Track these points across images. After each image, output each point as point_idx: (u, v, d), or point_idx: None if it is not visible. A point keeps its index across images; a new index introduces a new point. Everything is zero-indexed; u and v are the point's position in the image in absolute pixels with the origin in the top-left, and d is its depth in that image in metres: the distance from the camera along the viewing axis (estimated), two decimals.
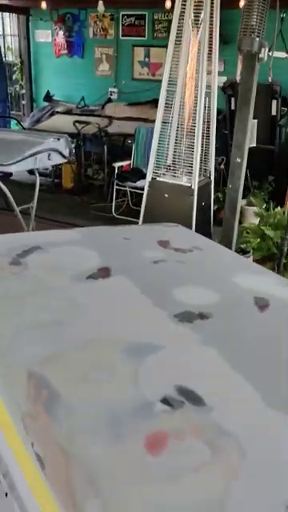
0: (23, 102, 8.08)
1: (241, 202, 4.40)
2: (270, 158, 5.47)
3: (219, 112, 4.70)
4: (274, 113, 5.33)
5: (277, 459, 0.76)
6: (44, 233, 1.84)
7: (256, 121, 2.68)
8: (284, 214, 3.25)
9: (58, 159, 3.07)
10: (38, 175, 3.35)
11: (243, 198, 4.50)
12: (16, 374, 0.93)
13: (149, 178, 3.42)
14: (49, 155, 2.95)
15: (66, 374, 0.94)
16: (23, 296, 1.23)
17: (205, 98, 3.44)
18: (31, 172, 3.77)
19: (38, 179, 3.36)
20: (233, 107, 5.16)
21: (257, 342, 1.11)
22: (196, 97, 3.40)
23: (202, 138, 3.47)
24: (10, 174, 6.31)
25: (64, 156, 3.11)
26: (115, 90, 7.18)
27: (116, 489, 0.70)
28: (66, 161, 3.26)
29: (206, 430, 0.80)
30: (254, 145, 2.76)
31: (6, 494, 0.77)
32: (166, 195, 3.28)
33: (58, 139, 3.03)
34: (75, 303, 1.21)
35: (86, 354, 1.01)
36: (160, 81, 3.67)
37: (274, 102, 5.28)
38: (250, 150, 2.90)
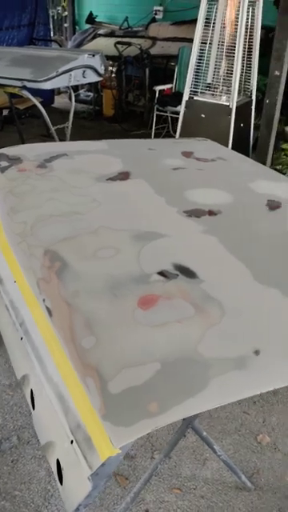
0: (65, 25, 7.84)
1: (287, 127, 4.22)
2: None
3: (272, 29, 4.36)
4: None
5: (253, 318, 0.86)
6: (72, 143, 1.92)
7: None
8: None
9: (93, 77, 3.04)
10: (72, 93, 3.36)
11: None
12: (34, 250, 1.06)
13: (186, 97, 3.34)
14: (83, 72, 2.94)
15: (76, 251, 1.05)
16: (46, 192, 1.34)
17: (248, 12, 3.21)
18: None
19: (73, 96, 3.38)
20: None
21: (259, 233, 1.17)
22: (238, 10, 3.18)
23: (244, 55, 3.29)
24: (52, 102, 6.34)
25: (99, 74, 3.08)
26: (160, 8, 6.76)
27: (108, 330, 0.82)
28: (101, 78, 3.21)
29: (194, 295, 0.90)
30: None
31: (22, 338, 0.92)
32: (203, 115, 3.21)
33: (93, 55, 2.99)
34: (93, 199, 1.31)
35: (97, 237, 1.12)
36: None
37: None
38: None
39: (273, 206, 1.33)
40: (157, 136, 5.15)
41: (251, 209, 1.31)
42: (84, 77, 2.97)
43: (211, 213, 1.26)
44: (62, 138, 3.69)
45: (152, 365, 0.74)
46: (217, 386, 0.71)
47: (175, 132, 5.07)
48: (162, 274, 0.97)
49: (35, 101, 2.99)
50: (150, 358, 0.75)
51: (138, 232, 1.14)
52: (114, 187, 1.40)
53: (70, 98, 3.58)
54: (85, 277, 0.97)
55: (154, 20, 6.65)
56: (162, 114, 5.10)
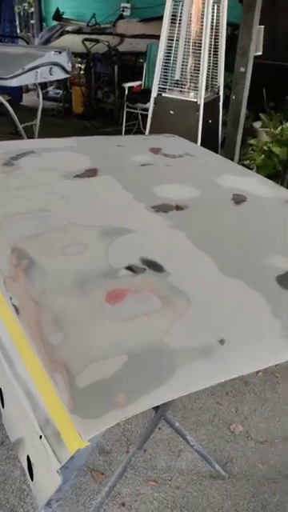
0: (32, 22, 7.73)
1: (256, 124, 4.31)
2: None
3: (237, 26, 4.43)
4: None
5: (218, 309, 0.88)
6: (40, 140, 1.91)
7: (262, 27, 2.54)
8: None
9: (60, 74, 3.02)
10: (40, 91, 3.32)
11: (258, 119, 4.38)
12: (1, 248, 1.05)
13: (154, 94, 3.36)
14: (50, 69, 2.91)
15: (44, 249, 1.05)
16: (12, 190, 1.33)
17: (213, 9, 3.25)
18: (42, 97, 3.74)
19: (41, 93, 3.34)
20: None
21: (224, 227, 1.19)
22: (204, 7, 3.22)
23: (210, 52, 3.33)
24: (20, 100, 6.24)
25: (66, 71, 3.06)
26: (128, 5, 6.76)
27: (76, 326, 0.83)
28: (68, 76, 3.20)
29: (161, 288, 0.92)
30: (260, 53, 2.64)
31: None
32: (172, 112, 3.24)
33: (60, 52, 2.96)
34: (60, 196, 1.31)
35: (65, 234, 1.12)
36: None
37: None
38: (266, 66, 2.76)
39: (238, 199, 1.36)
40: (127, 133, 5.15)
41: (217, 203, 1.34)
42: (51, 74, 2.95)
43: (178, 208, 1.28)
44: (31, 136, 3.64)
45: (119, 357, 0.75)
46: (183, 375, 0.72)
47: (146, 129, 5.08)
48: (129, 268, 0.98)
49: (1, 98, 2.94)
50: (117, 351, 0.76)
51: (106, 228, 1.14)
52: (82, 184, 1.40)
53: (39, 96, 3.55)
54: (53, 274, 0.97)
55: (121, 17, 6.63)
56: (132, 110, 5.10)
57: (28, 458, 0.73)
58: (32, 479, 0.72)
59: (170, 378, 0.71)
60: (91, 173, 1.48)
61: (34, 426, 0.72)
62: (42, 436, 0.69)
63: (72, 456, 0.65)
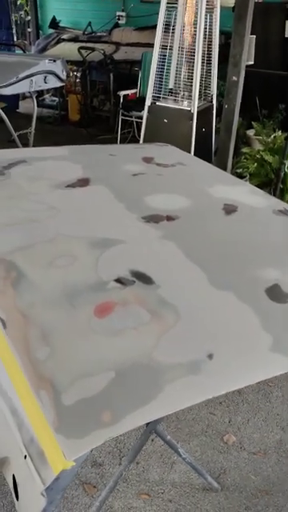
0: (29, 30, 7.76)
1: (250, 132, 4.33)
2: (283, 84, 5.22)
3: (231, 35, 4.46)
4: (287, 35, 5.01)
5: (207, 322, 0.87)
6: (32, 149, 1.91)
7: (254, 37, 2.56)
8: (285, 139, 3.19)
9: (54, 82, 3.03)
10: (35, 99, 3.33)
11: (251, 127, 4.40)
12: None
13: (148, 102, 3.37)
14: (45, 78, 2.92)
15: (33, 260, 1.04)
16: (2, 199, 1.32)
17: (206, 17, 3.28)
18: (39, 105, 3.76)
19: (36, 102, 3.35)
20: None
21: (215, 238, 1.19)
22: (197, 16, 3.24)
23: (204, 61, 3.35)
24: (17, 107, 6.25)
25: (61, 79, 3.06)
26: (123, 14, 6.80)
27: (63, 340, 0.82)
28: (63, 84, 3.21)
29: (150, 301, 0.91)
30: (252, 62, 2.66)
31: None
32: (166, 120, 3.25)
33: (54, 61, 2.97)
34: (51, 206, 1.30)
35: (54, 245, 1.11)
36: (172, 2, 3.46)
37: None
38: (259, 75, 2.76)
39: (229, 210, 1.35)
40: (123, 140, 5.16)
41: (208, 213, 1.33)
42: (45, 82, 2.95)
43: (169, 218, 1.27)
44: (26, 143, 3.64)
45: (106, 374, 0.73)
46: (171, 393, 0.71)
47: (141, 136, 5.10)
48: (119, 281, 0.97)
49: None
50: (104, 367, 0.75)
51: (96, 239, 1.13)
52: (73, 194, 1.39)
53: (33, 104, 3.55)
54: (41, 287, 0.96)
55: (117, 25, 6.68)
56: (127, 118, 5.12)
57: (14, 477, 0.72)
58: (17, 499, 0.71)
59: (157, 396, 0.70)
60: (83, 182, 1.48)
61: (18, 444, 0.71)
62: (27, 456, 0.68)
63: (57, 477, 0.63)
